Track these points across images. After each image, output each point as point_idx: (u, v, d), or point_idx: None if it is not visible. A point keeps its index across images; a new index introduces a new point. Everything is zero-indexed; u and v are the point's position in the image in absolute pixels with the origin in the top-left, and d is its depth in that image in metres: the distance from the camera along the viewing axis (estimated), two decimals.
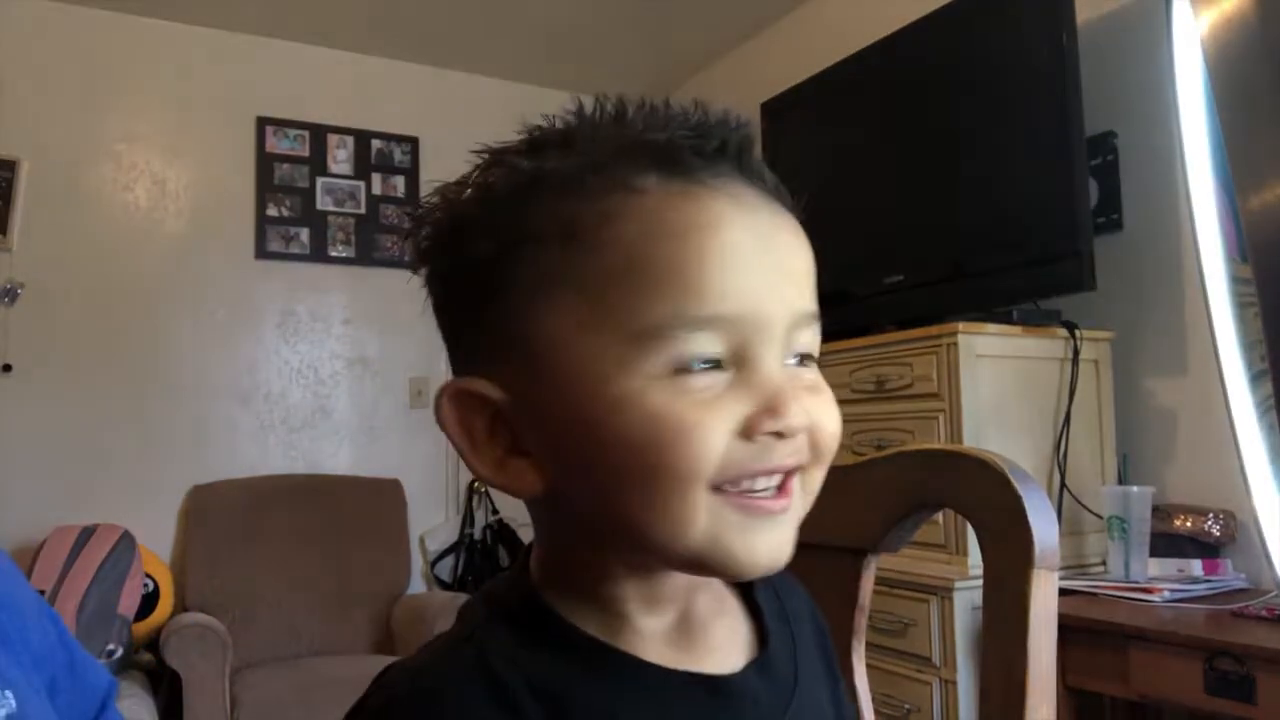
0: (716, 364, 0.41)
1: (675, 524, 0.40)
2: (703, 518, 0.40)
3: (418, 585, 3.40)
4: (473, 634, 0.44)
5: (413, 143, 3.60)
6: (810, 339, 0.45)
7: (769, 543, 0.42)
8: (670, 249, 0.40)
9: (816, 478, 0.44)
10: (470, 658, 0.43)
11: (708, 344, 0.40)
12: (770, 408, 0.40)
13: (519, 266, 0.42)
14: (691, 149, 0.42)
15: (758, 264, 0.42)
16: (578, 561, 0.45)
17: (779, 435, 0.41)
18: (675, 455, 0.39)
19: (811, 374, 0.45)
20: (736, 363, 0.41)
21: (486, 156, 0.46)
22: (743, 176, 0.44)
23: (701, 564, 0.42)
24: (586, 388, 0.40)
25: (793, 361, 0.44)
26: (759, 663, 0.48)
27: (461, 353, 0.46)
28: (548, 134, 0.44)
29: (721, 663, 0.47)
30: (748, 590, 0.51)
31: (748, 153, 0.44)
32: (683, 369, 0.40)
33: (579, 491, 0.42)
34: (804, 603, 0.55)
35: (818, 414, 0.43)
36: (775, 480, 0.42)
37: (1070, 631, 1.69)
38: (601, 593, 0.45)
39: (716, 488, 0.40)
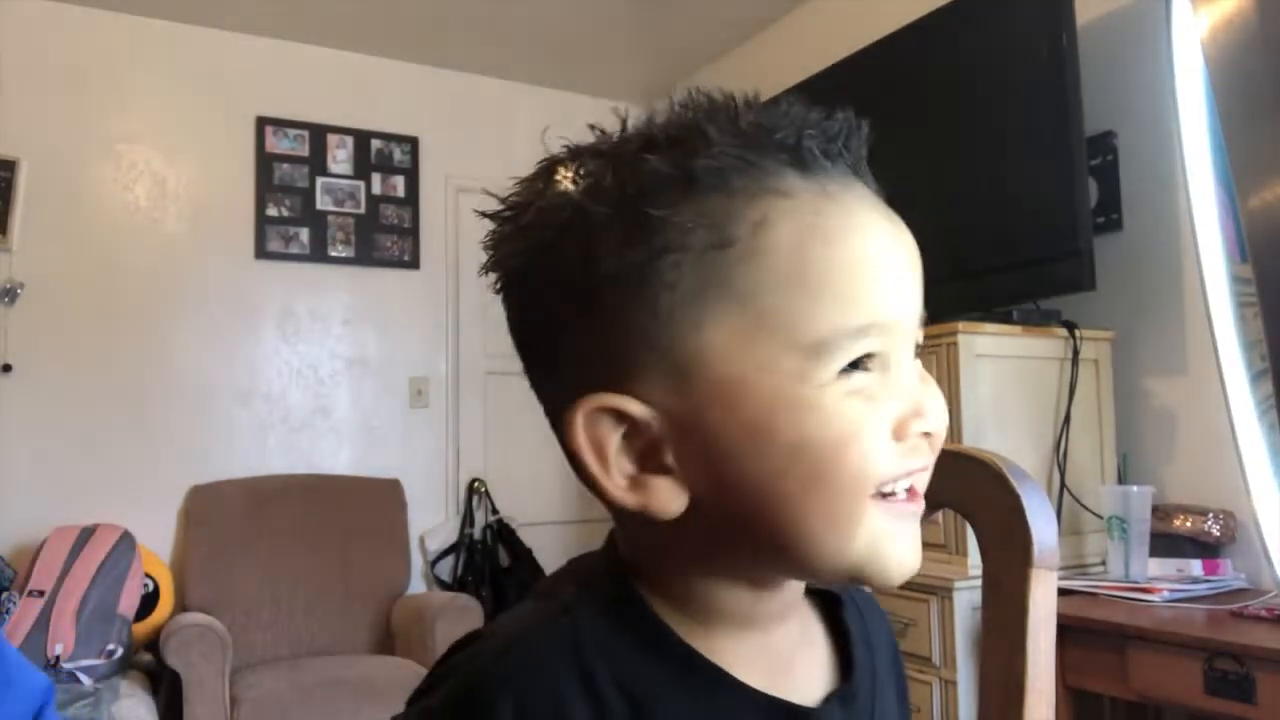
0: (869, 368, 0.40)
1: (844, 531, 0.40)
2: (865, 524, 0.40)
3: (418, 585, 3.40)
4: (568, 609, 0.43)
5: (412, 143, 3.60)
6: (921, 334, 0.45)
7: (913, 546, 0.42)
8: (827, 256, 0.39)
9: (925, 478, 0.44)
10: (566, 635, 0.42)
11: (867, 348, 0.40)
12: (917, 410, 0.41)
13: (666, 275, 0.39)
14: (820, 149, 0.41)
15: (897, 268, 0.42)
16: (687, 576, 0.44)
17: (925, 436, 0.42)
18: (850, 457, 0.39)
19: (919, 365, 0.44)
20: (883, 366, 0.41)
21: (580, 151, 0.43)
22: (860, 178, 0.43)
23: (859, 572, 0.41)
24: (754, 398, 0.39)
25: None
26: (841, 695, 0.47)
27: (578, 368, 0.42)
28: (670, 130, 0.41)
29: (804, 691, 0.46)
30: (835, 612, 0.50)
31: (865, 153, 0.44)
32: (847, 374, 0.40)
33: (729, 505, 0.41)
34: (886, 631, 0.54)
35: (942, 410, 0.43)
36: (908, 483, 0.42)
37: (1070, 631, 1.69)
38: (701, 606, 0.44)
39: (874, 495, 0.40)
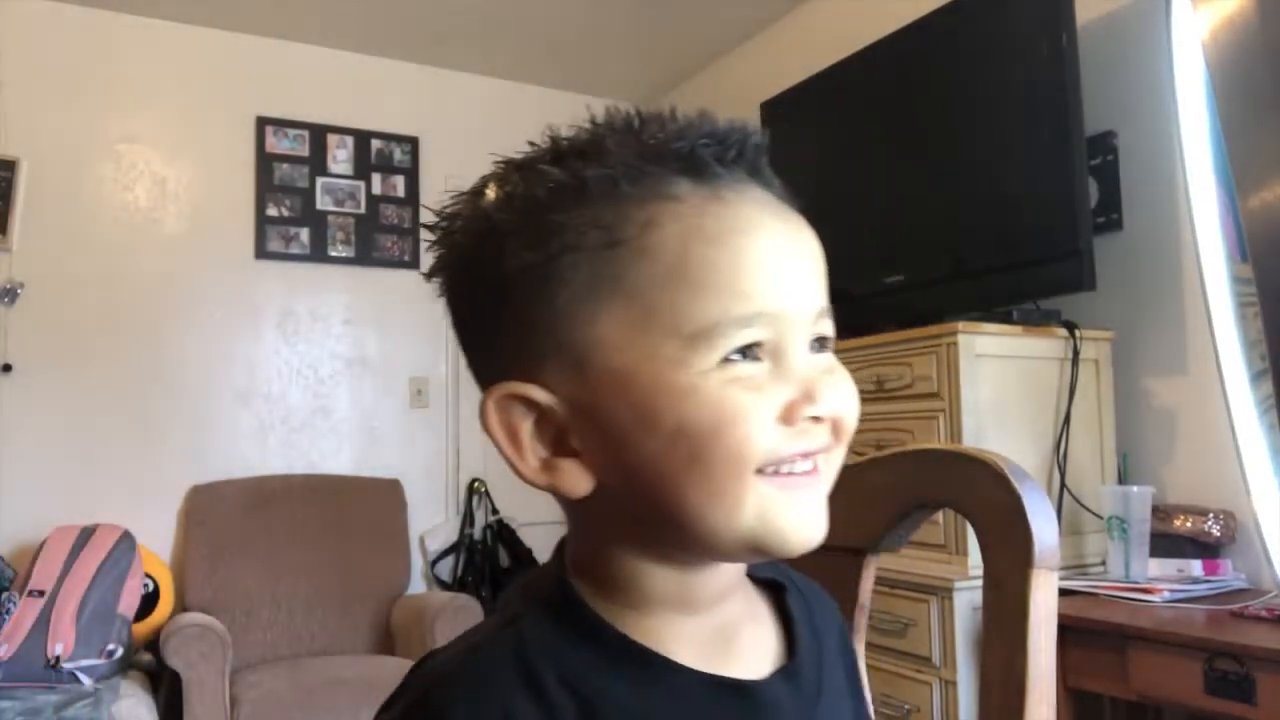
0: (757, 357, 0.43)
1: (729, 506, 0.43)
2: (751, 499, 0.43)
3: (418, 585, 3.40)
4: (512, 622, 0.46)
5: (413, 143, 3.60)
6: (828, 326, 0.47)
7: (809, 515, 0.45)
8: (712, 253, 0.43)
9: (838, 457, 0.47)
10: (508, 646, 0.44)
11: (751, 337, 0.43)
12: (807, 395, 0.43)
13: (563, 274, 0.43)
14: (714, 157, 0.44)
15: (787, 264, 0.45)
16: (617, 562, 0.46)
17: (815, 420, 0.44)
18: (729, 439, 0.42)
19: (828, 358, 0.47)
20: (774, 355, 0.44)
21: (506, 165, 0.47)
22: (757, 182, 0.46)
23: (752, 544, 0.44)
24: (640, 385, 0.42)
25: (815, 348, 0.46)
26: (786, 670, 0.49)
27: (494, 359, 0.46)
28: (573, 143, 0.45)
29: (750, 669, 0.48)
30: (779, 598, 0.53)
31: (762, 159, 0.46)
32: (730, 362, 0.42)
33: (632, 486, 0.44)
34: (833, 616, 0.57)
35: (844, 402, 0.46)
36: (810, 464, 0.45)
37: (1070, 631, 1.69)
38: (638, 592, 0.46)
39: (760, 471, 0.43)
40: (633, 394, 0.42)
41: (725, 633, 0.48)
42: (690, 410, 0.42)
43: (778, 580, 0.54)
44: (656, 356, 0.42)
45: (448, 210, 0.48)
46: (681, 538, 0.44)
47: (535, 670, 0.43)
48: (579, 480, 0.45)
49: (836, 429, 0.46)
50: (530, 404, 0.45)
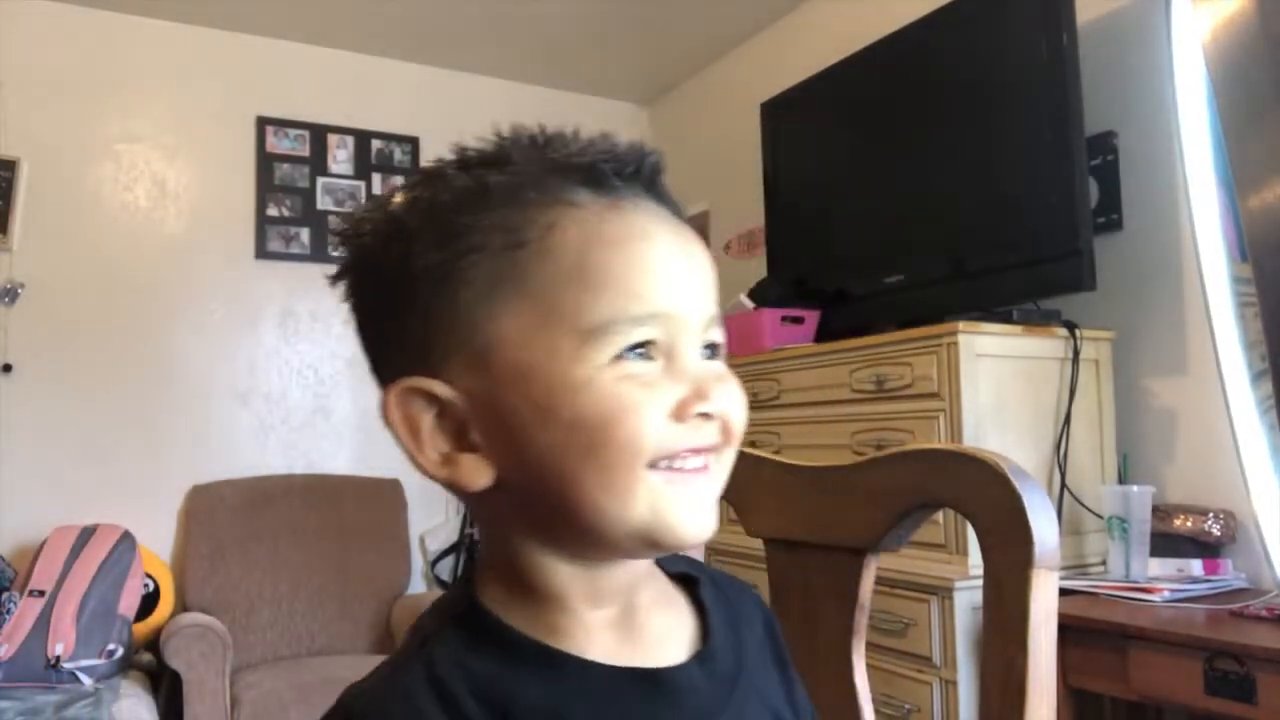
0: (649, 355, 0.45)
1: (620, 497, 0.44)
2: (643, 491, 0.45)
3: (418, 585, 3.40)
4: (423, 644, 0.47)
5: (413, 143, 3.60)
6: (719, 334, 0.49)
7: (699, 509, 0.47)
8: (610, 256, 0.45)
9: (730, 455, 0.49)
10: (419, 668, 0.46)
11: (644, 335, 0.45)
12: (698, 392, 0.46)
13: (467, 272, 0.45)
14: (613, 171, 0.47)
15: (677, 270, 0.47)
16: (523, 558, 0.48)
17: (705, 417, 0.46)
18: (621, 431, 0.44)
19: (720, 365, 0.49)
20: (666, 354, 0.46)
21: (416, 174, 0.50)
22: (652, 197, 0.48)
23: (645, 535, 0.45)
24: (539, 379, 0.44)
25: (706, 354, 0.48)
26: (700, 656, 0.50)
27: (397, 357, 0.48)
28: (481, 154, 0.48)
29: (664, 656, 0.49)
30: (693, 591, 0.54)
31: (659, 176, 0.49)
32: (624, 360, 0.45)
33: (528, 479, 0.45)
34: (754, 606, 0.58)
35: (732, 402, 0.48)
36: (701, 460, 0.47)
37: (1070, 631, 1.69)
38: (545, 589, 0.48)
39: (653, 464, 0.45)
40: (531, 388, 0.44)
41: (636, 623, 0.50)
42: (585, 403, 0.44)
43: (690, 574, 0.55)
44: (555, 351, 0.44)
45: (356, 216, 0.49)
46: (578, 530, 0.46)
47: (447, 687, 0.44)
48: (478, 474, 0.46)
49: (726, 430, 0.48)
50: (432, 399, 0.46)
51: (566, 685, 0.46)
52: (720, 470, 0.49)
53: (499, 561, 0.49)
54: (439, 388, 0.46)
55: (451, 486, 0.47)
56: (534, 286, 0.45)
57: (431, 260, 0.46)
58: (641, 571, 0.51)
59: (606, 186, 0.47)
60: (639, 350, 0.45)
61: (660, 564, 0.54)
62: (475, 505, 0.49)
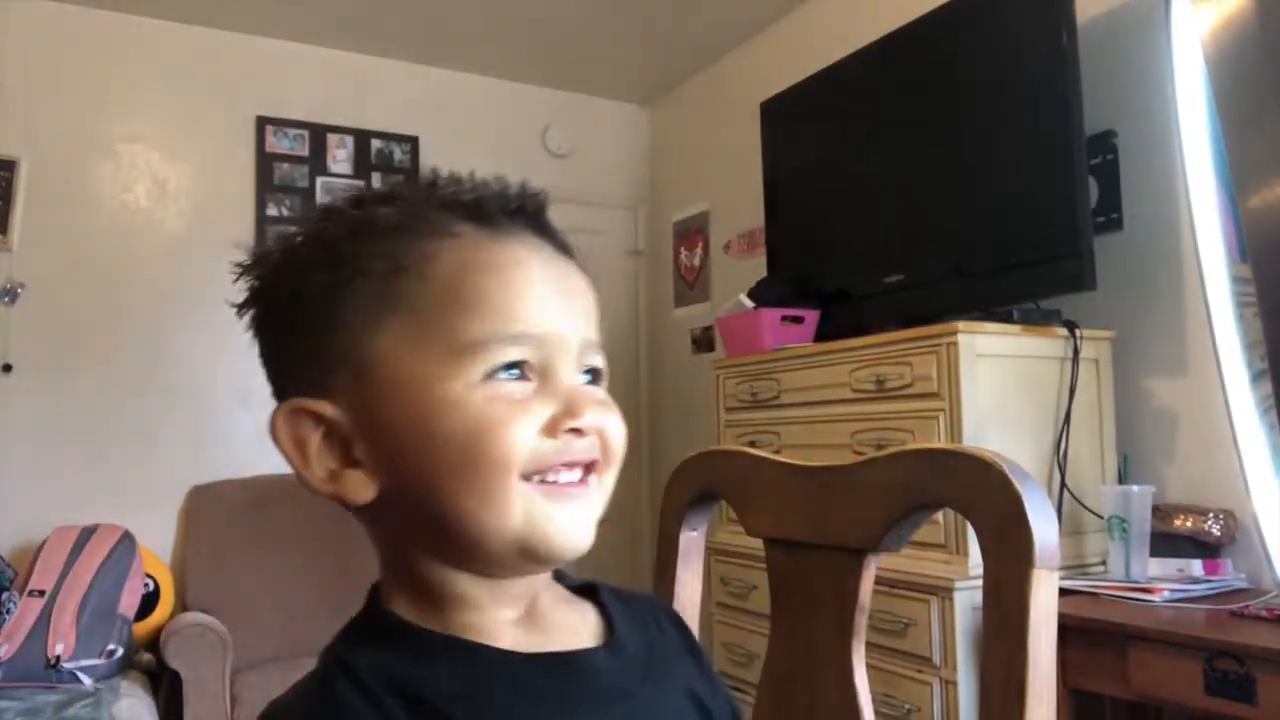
0: (523, 375, 0.48)
1: (495, 509, 0.47)
2: (518, 502, 0.47)
3: None
4: (339, 656, 0.50)
5: (412, 142, 3.60)
6: (599, 360, 0.52)
7: (575, 522, 0.49)
8: (483, 280, 0.48)
9: (610, 477, 0.52)
10: (339, 672, 0.48)
11: (516, 355, 0.48)
12: (569, 410, 0.48)
13: (352, 296, 0.48)
14: (496, 207, 0.50)
15: (552, 296, 0.50)
16: (419, 568, 0.50)
17: (577, 433, 0.48)
18: (492, 445, 0.46)
19: (601, 391, 0.52)
20: (540, 374, 0.49)
21: (317, 212, 0.52)
22: (536, 232, 0.52)
23: (521, 546, 0.47)
24: (415, 395, 0.47)
25: (586, 378, 0.51)
26: (607, 645, 0.53)
27: (290, 377, 0.51)
28: (375, 192, 0.51)
29: (570, 643, 0.52)
30: (595, 598, 0.57)
31: (542, 213, 0.52)
32: (496, 377, 0.47)
33: (409, 494, 0.48)
34: (661, 610, 0.61)
35: (607, 421, 0.50)
36: (576, 474, 0.49)
37: (1070, 631, 1.69)
38: (449, 595, 0.50)
39: (526, 477, 0.47)
40: (407, 403, 0.47)
41: (542, 619, 0.52)
42: (456, 420, 0.46)
43: (590, 583, 0.58)
44: (427, 368, 0.47)
45: (257, 251, 0.53)
46: (459, 543, 0.48)
47: (369, 686, 0.46)
48: (361, 489, 0.49)
49: (605, 449, 0.50)
50: (318, 418, 0.49)
51: (481, 671, 0.48)
52: (600, 490, 0.51)
53: (399, 573, 0.51)
54: (324, 407, 0.48)
55: (339, 501, 0.50)
56: (411, 306, 0.48)
57: (320, 284, 0.49)
58: (540, 580, 0.53)
59: (488, 220, 0.50)
60: (512, 370, 0.47)
61: (560, 582, 0.56)
62: (367, 520, 0.51)
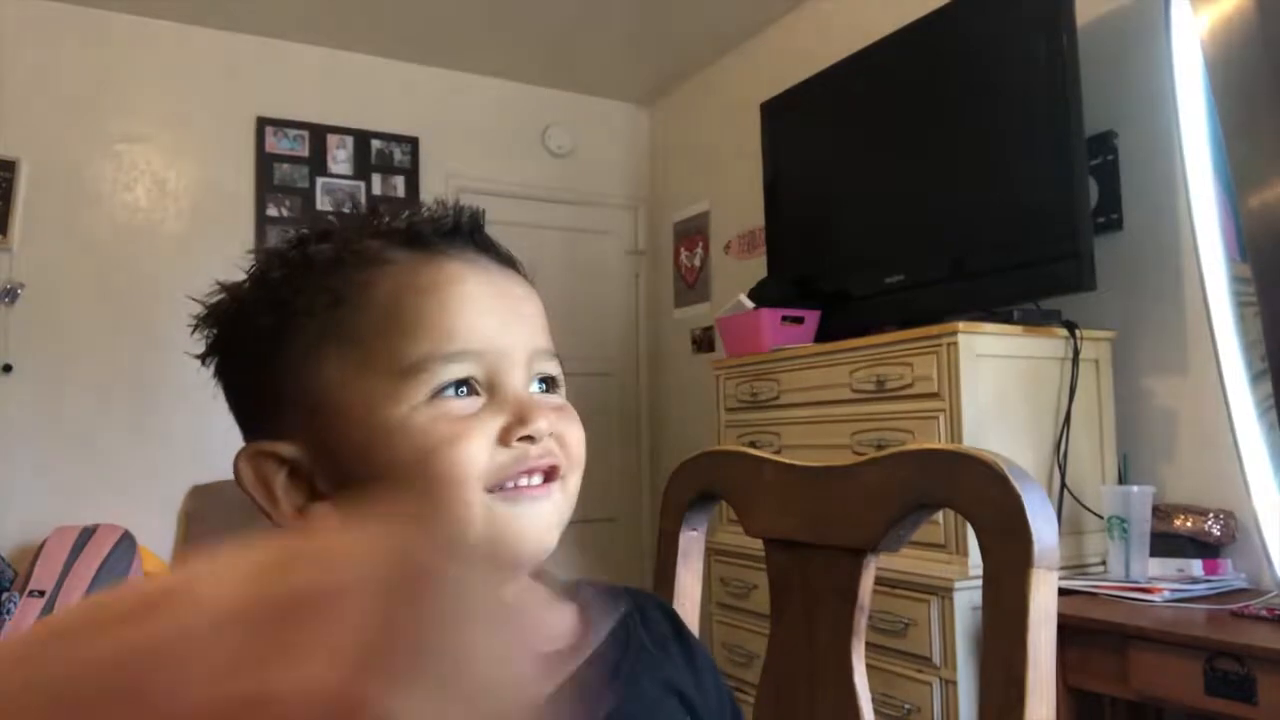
0: (471, 391, 0.49)
1: (459, 524, 0.47)
2: (480, 513, 0.47)
3: None
4: None
5: (413, 143, 3.60)
6: (551, 367, 0.53)
7: (537, 522, 0.49)
8: (420, 301, 0.49)
9: (573, 481, 0.52)
10: None
11: (460, 372, 0.48)
12: (519, 418, 0.49)
13: (296, 335, 0.49)
14: (431, 229, 0.51)
15: (492, 309, 0.50)
16: None
17: (530, 440, 0.49)
18: (446, 463, 0.47)
19: (558, 397, 0.53)
20: (489, 389, 0.49)
21: (260, 256, 0.53)
22: (476, 248, 0.52)
23: (488, 553, 0.47)
24: (364, 422, 0.47)
25: (540, 388, 0.52)
26: (575, 645, 0.53)
27: (251, 420, 0.52)
28: (313, 230, 0.52)
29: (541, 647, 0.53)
30: (575, 596, 0.57)
31: (479, 229, 0.53)
32: (443, 395, 0.48)
33: None
34: (647, 599, 0.62)
35: (562, 426, 0.51)
36: (537, 479, 0.50)
37: (1070, 631, 1.69)
38: None
39: (490, 490, 0.48)
40: (358, 431, 0.47)
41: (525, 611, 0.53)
42: (406, 441, 0.47)
43: (574, 583, 0.58)
44: (373, 394, 0.47)
45: (209, 302, 0.54)
46: None
47: None
48: (329, 521, 0.48)
49: (566, 454, 0.51)
50: (279, 459, 0.49)
51: None
52: (564, 494, 0.51)
53: None
54: (282, 447, 0.49)
55: None
56: (351, 335, 0.48)
57: (265, 327, 0.50)
58: (514, 586, 0.53)
59: (423, 244, 0.51)
60: (459, 388, 0.48)
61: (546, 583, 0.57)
62: None
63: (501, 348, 0.50)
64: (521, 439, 0.49)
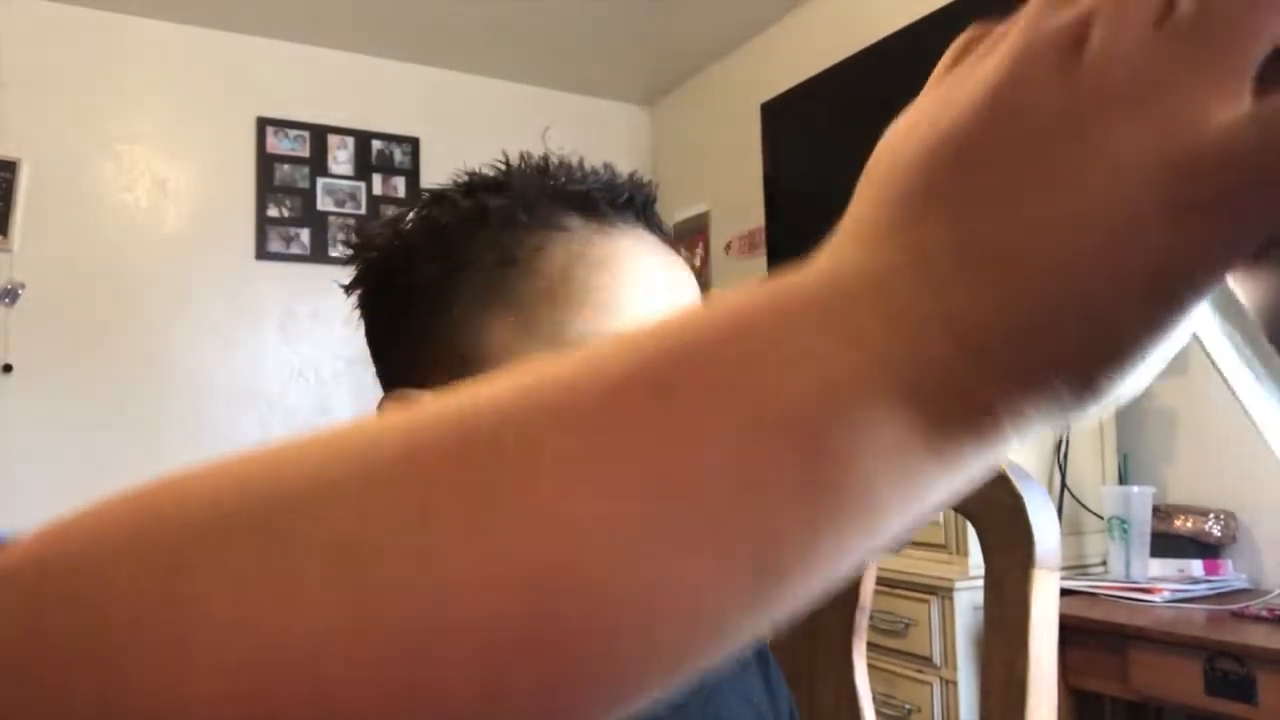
0: None
1: None
2: None
3: None
4: None
5: (413, 143, 3.60)
6: None
7: None
8: (592, 275, 0.47)
9: None
10: None
11: None
12: None
13: (460, 288, 0.48)
14: (605, 199, 0.50)
15: (662, 290, 0.49)
16: None
17: None
18: None
19: None
20: None
21: (427, 198, 0.52)
22: (645, 224, 0.51)
23: None
24: None
25: None
26: None
27: (394, 367, 0.50)
28: (485, 180, 0.51)
29: None
30: None
31: (650, 205, 0.52)
32: None
33: None
34: None
35: None
36: None
37: (1070, 631, 1.69)
38: None
39: None
40: None
41: None
42: None
43: None
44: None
45: (367, 232, 0.53)
46: None
47: None
48: None
49: None
50: None
51: None
52: None
53: None
54: (427, 398, 0.47)
55: None
56: (518, 301, 0.47)
57: (429, 274, 0.48)
58: None
59: (597, 213, 0.49)
60: None
61: None
62: None
63: None
64: None
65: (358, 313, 0.54)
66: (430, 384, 0.48)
